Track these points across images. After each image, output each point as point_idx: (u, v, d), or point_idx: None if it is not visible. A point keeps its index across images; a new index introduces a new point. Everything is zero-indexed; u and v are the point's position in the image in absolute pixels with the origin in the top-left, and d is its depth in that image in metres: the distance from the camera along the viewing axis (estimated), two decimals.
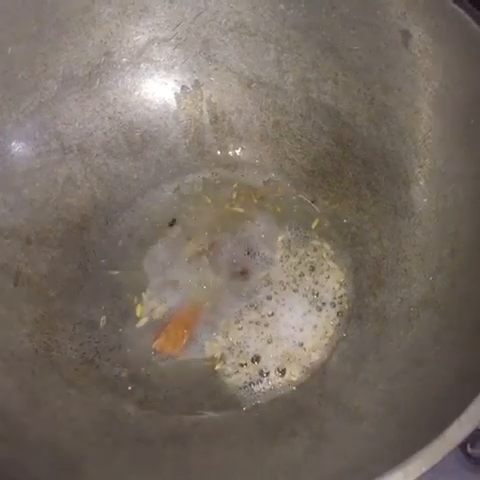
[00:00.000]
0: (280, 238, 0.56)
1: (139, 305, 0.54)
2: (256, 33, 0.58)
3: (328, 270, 0.54)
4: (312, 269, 0.54)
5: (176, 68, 0.60)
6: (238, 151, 0.61)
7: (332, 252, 0.55)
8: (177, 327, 0.52)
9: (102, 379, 0.50)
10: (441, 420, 0.36)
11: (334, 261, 0.54)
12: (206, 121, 0.61)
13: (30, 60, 0.56)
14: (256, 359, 0.50)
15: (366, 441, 0.43)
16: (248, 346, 0.51)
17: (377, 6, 0.53)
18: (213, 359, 0.51)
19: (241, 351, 0.51)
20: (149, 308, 0.54)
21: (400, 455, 0.35)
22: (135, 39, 0.59)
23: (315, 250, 0.55)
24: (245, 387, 0.50)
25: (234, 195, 0.59)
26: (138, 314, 0.54)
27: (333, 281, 0.53)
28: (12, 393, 0.47)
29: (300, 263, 0.55)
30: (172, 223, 0.58)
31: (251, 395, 0.49)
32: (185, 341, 0.52)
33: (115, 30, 0.58)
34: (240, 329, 0.52)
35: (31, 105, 0.57)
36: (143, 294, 0.55)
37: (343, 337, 0.51)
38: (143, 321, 0.53)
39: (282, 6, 0.57)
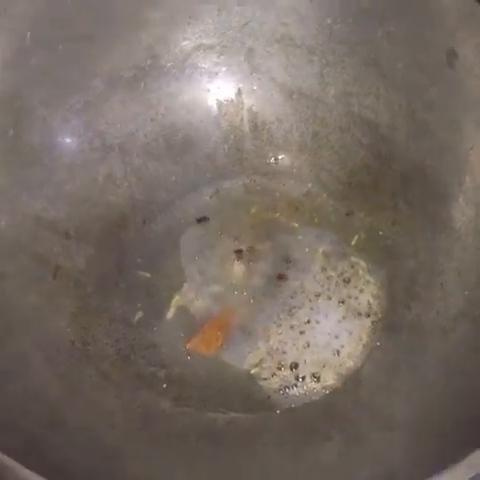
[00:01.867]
0: (320, 250, 0.56)
1: (173, 305, 0.54)
2: (301, 45, 0.60)
3: (363, 283, 0.54)
4: (347, 281, 0.55)
5: (220, 75, 0.62)
6: (276, 160, 0.61)
7: (368, 265, 0.55)
8: (212, 328, 0.53)
9: (137, 375, 0.51)
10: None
11: (370, 274, 0.55)
12: (246, 129, 0.62)
13: (79, 59, 0.57)
14: (294, 365, 0.51)
15: (401, 449, 0.43)
16: (285, 352, 0.52)
17: (426, 24, 0.54)
18: (250, 363, 0.51)
19: (278, 356, 0.51)
20: (184, 308, 0.54)
21: (436, 466, 0.35)
22: (182, 45, 0.60)
23: (352, 266, 0.55)
24: (280, 390, 0.50)
25: (274, 203, 0.59)
26: (172, 314, 0.54)
27: (368, 293, 0.54)
28: (51, 383, 0.47)
29: (336, 275, 0.55)
30: (201, 220, 0.58)
31: (286, 398, 0.50)
32: (220, 343, 0.52)
33: (163, 35, 0.60)
34: (279, 334, 0.52)
35: (77, 103, 0.58)
36: (178, 294, 0.55)
37: (377, 346, 0.51)
38: (177, 321, 0.53)
39: (329, 20, 0.58)
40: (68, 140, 0.58)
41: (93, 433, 0.45)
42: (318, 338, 0.52)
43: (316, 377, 0.50)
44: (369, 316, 0.53)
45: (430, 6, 0.54)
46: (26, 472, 0.33)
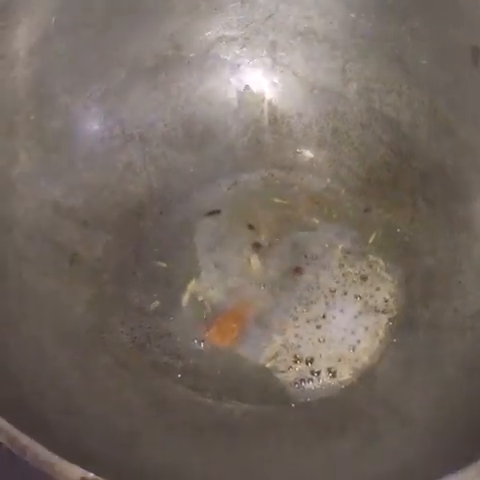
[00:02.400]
0: (339, 246, 0.56)
1: (189, 296, 0.54)
2: (324, 40, 0.59)
3: (380, 280, 0.54)
4: (364, 278, 0.55)
5: (241, 67, 0.61)
6: (295, 154, 0.61)
7: (386, 264, 0.55)
8: (228, 320, 0.53)
9: (153, 364, 0.51)
10: None
11: (387, 272, 0.55)
12: (265, 122, 0.62)
13: (102, 47, 0.57)
14: (309, 359, 0.51)
15: (416, 446, 0.43)
16: (300, 346, 0.51)
17: (450, 20, 0.54)
18: (266, 356, 0.51)
19: (293, 350, 0.51)
20: (200, 299, 0.54)
21: (452, 464, 0.35)
22: (205, 35, 0.60)
23: (370, 266, 0.55)
24: (295, 384, 0.50)
25: (293, 196, 0.59)
26: (188, 304, 0.54)
27: (385, 290, 0.54)
28: (68, 369, 0.47)
29: (353, 273, 0.55)
30: (215, 212, 0.58)
31: (301, 392, 0.49)
32: (235, 335, 0.52)
33: (186, 25, 0.59)
34: (295, 327, 0.52)
35: (98, 90, 0.58)
36: (194, 285, 0.55)
37: (394, 342, 0.51)
38: (193, 311, 0.53)
39: (353, 15, 0.58)
40: (88, 128, 0.58)
41: (109, 420, 0.45)
42: (334, 333, 0.52)
43: (332, 372, 0.50)
44: (386, 313, 0.53)
45: (455, 2, 0.54)
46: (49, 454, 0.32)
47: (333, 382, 0.50)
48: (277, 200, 0.59)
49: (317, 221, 0.58)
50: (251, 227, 0.57)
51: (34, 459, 0.33)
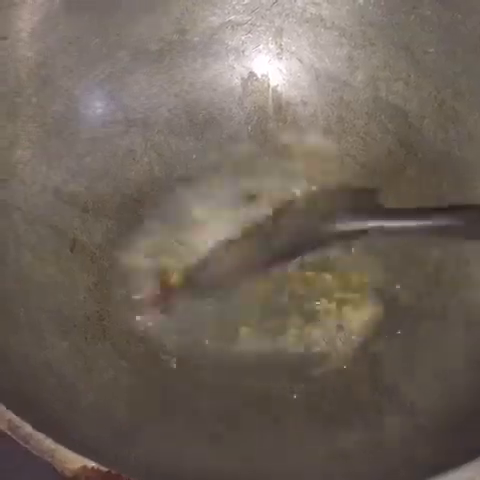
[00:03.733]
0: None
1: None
2: (331, 27, 0.59)
3: None
4: None
5: (246, 53, 0.60)
6: (299, 143, 0.60)
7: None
8: None
9: (152, 354, 0.50)
10: None
11: None
12: (270, 110, 0.61)
13: (104, 29, 0.56)
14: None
15: (423, 437, 0.43)
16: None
17: (459, 11, 0.53)
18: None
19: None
20: None
21: (460, 455, 0.34)
22: (210, 20, 0.59)
23: None
24: (296, 374, 0.49)
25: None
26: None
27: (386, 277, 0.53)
28: (67, 357, 0.47)
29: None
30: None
31: (303, 382, 0.49)
32: None
33: (191, 8, 0.58)
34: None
35: (101, 74, 0.57)
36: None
37: (397, 333, 0.51)
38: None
39: (361, 2, 0.57)
40: (91, 112, 0.57)
41: (108, 409, 0.44)
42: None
43: (333, 361, 0.49)
44: (390, 302, 0.52)
45: None
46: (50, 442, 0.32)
47: (335, 372, 0.49)
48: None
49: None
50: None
51: (36, 447, 0.32)
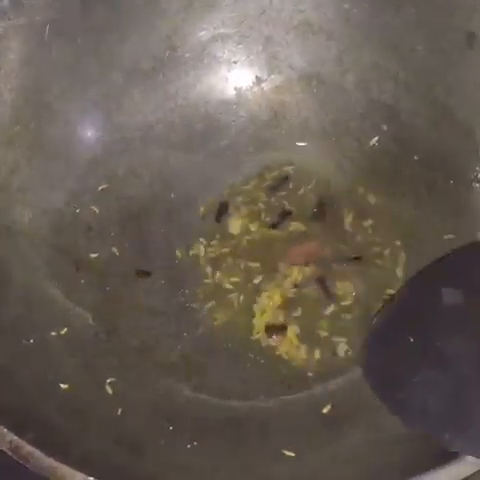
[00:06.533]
0: None
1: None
2: (319, 31, 0.59)
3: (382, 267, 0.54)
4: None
5: (238, 64, 0.62)
6: (296, 148, 0.61)
7: (387, 250, 0.55)
8: None
9: (160, 365, 0.51)
10: None
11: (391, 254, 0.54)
12: (265, 117, 0.62)
13: (98, 52, 0.58)
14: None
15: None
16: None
17: (443, 8, 0.53)
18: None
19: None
20: (208, 303, 0.55)
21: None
22: (200, 35, 0.60)
23: None
24: (301, 377, 0.50)
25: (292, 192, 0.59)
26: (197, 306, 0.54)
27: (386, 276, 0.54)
28: (77, 373, 0.48)
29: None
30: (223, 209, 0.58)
31: (306, 385, 0.49)
32: None
33: (180, 25, 0.60)
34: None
35: (97, 95, 0.58)
36: (203, 288, 0.55)
37: None
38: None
39: (346, 5, 0.58)
40: (88, 133, 0.58)
41: (118, 422, 0.46)
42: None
43: (336, 363, 0.50)
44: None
45: None
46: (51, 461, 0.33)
47: (336, 373, 0.50)
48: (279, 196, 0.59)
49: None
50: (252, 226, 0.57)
51: (36, 466, 0.33)
